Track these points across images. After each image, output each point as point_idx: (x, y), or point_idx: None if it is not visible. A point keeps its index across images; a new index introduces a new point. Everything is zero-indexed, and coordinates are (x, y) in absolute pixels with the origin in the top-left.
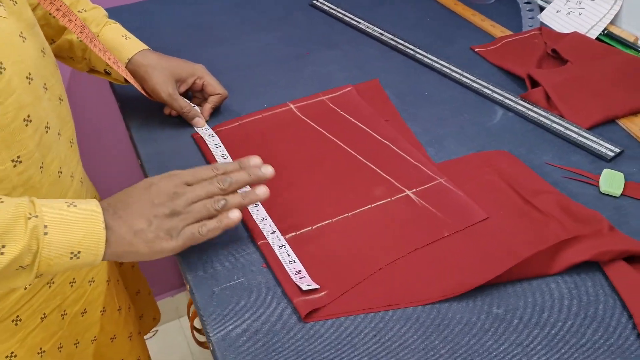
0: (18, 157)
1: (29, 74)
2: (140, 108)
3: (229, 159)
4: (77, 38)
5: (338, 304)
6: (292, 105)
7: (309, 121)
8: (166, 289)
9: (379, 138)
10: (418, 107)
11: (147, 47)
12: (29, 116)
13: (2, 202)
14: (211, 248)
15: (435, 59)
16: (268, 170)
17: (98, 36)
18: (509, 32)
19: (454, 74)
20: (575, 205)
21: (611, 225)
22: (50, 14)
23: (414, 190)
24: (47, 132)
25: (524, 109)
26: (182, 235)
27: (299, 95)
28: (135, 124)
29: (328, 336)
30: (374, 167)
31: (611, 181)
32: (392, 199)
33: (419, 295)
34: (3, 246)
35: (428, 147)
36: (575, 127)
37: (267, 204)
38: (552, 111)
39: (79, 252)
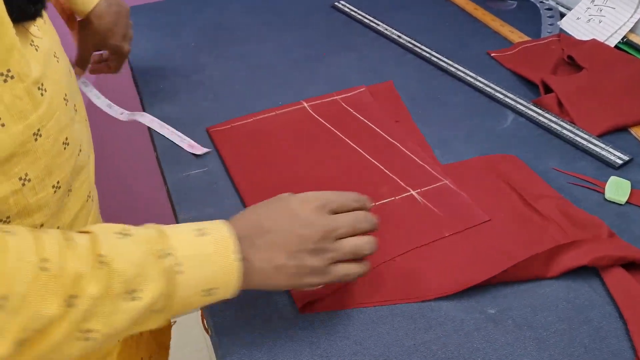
0: (58, 182)
1: (65, 95)
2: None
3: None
4: None
5: (334, 297)
6: (305, 104)
7: (321, 119)
8: None
9: (388, 138)
10: (429, 109)
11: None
12: (67, 139)
13: (130, 235)
14: None
15: (450, 62)
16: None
17: None
18: (527, 38)
19: (467, 77)
20: (576, 210)
21: (611, 231)
22: None
23: (418, 190)
24: (79, 154)
25: (534, 114)
26: (333, 274)
27: (314, 94)
28: (155, 112)
29: (322, 327)
30: (381, 166)
31: (617, 188)
32: (396, 198)
33: (415, 293)
34: (134, 290)
35: (436, 148)
36: (585, 133)
37: None
38: (564, 117)
39: (212, 289)
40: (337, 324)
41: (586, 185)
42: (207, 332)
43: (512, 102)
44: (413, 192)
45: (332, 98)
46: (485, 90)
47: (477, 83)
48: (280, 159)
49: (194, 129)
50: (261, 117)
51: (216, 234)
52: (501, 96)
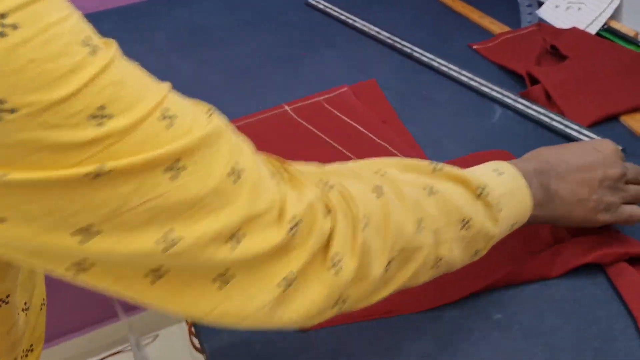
0: None
1: None
2: None
3: None
4: None
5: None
6: (287, 107)
7: (304, 123)
8: None
9: (376, 139)
10: (416, 107)
11: None
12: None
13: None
14: None
15: (433, 57)
16: None
17: None
18: (507, 29)
19: (452, 72)
20: None
21: (615, 229)
22: None
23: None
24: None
25: (523, 107)
26: (619, 213)
27: (295, 96)
28: None
29: (323, 345)
30: None
31: None
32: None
33: (417, 302)
34: (465, 220)
35: (426, 148)
36: (575, 124)
37: None
38: (552, 109)
39: (515, 223)
40: (338, 340)
41: None
42: (195, 349)
43: (499, 96)
44: None
45: (314, 100)
46: (471, 84)
47: (462, 78)
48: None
49: None
50: (241, 123)
51: (510, 172)
52: (487, 90)
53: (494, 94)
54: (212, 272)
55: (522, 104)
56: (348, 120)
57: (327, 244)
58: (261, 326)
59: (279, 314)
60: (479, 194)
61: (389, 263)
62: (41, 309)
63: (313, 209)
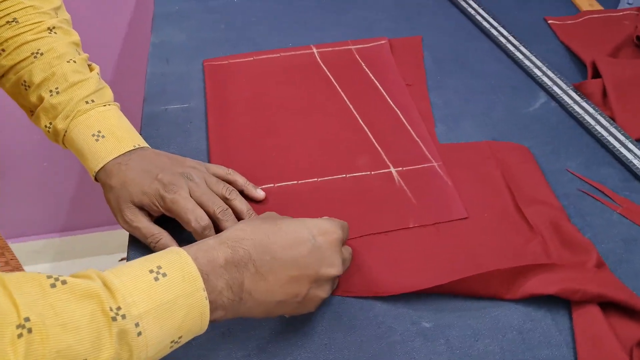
0: None
1: None
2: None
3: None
4: (45, 127)
5: None
6: (315, 50)
7: (325, 69)
8: None
9: (390, 102)
10: (452, 75)
11: (118, 153)
12: None
13: (65, 286)
14: None
15: (495, 24)
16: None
17: (66, 133)
18: (599, 7)
19: (508, 45)
20: (568, 226)
21: (601, 261)
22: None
23: (400, 168)
24: None
25: (570, 101)
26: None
27: (331, 39)
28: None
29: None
30: (369, 134)
31: None
32: (372, 173)
33: (350, 286)
34: None
35: (441, 123)
36: (621, 134)
37: (241, 152)
38: (604, 110)
39: (180, 337)
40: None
41: (600, 199)
42: None
43: (549, 82)
44: (393, 170)
45: (346, 47)
46: (524, 63)
47: (517, 53)
48: (264, 105)
49: (192, 59)
50: (263, 57)
51: (178, 273)
52: (539, 73)
53: (544, 79)
54: None
55: (570, 97)
56: (371, 76)
57: None
58: None
59: None
60: (112, 316)
61: None
62: None
63: None
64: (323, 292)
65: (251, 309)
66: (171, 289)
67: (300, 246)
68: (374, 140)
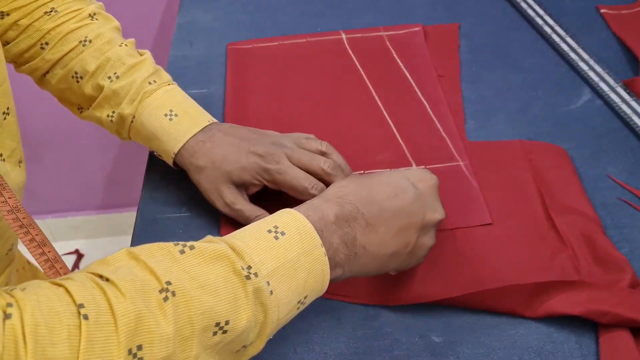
0: None
1: None
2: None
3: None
4: (107, 117)
5: None
6: (343, 35)
7: (353, 56)
8: None
9: (419, 95)
10: (489, 67)
11: (197, 129)
12: None
13: (194, 252)
14: None
15: (540, 12)
16: None
17: (134, 118)
18: None
19: (553, 35)
20: (602, 240)
21: (636, 280)
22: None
23: (423, 167)
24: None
25: (617, 99)
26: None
27: (363, 24)
28: None
29: None
30: (393, 128)
31: None
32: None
33: (356, 292)
34: (221, 324)
35: (472, 119)
36: None
37: None
38: None
39: (305, 297)
40: None
41: None
42: None
43: (595, 78)
44: (414, 167)
45: (377, 33)
46: (569, 56)
47: (563, 45)
48: (285, 94)
49: (216, 43)
50: (288, 42)
51: (296, 231)
52: (585, 67)
53: (591, 73)
54: None
55: (618, 95)
56: (401, 65)
57: None
58: None
59: None
60: (245, 275)
61: None
62: None
63: None
64: (430, 239)
65: (366, 265)
66: (292, 247)
67: (404, 195)
68: (397, 135)
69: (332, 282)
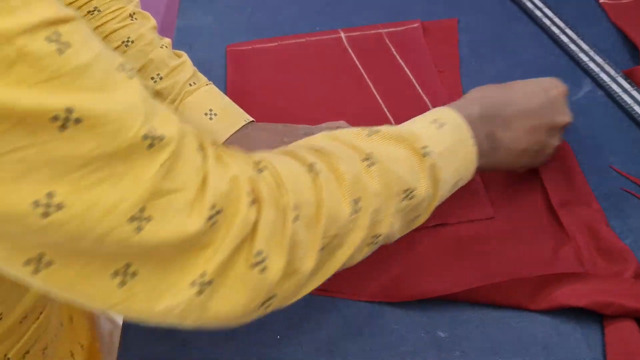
0: None
1: None
2: None
3: None
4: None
5: None
6: (342, 34)
7: (352, 55)
8: None
9: (419, 92)
10: (488, 61)
11: (236, 128)
12: None
13: (379, 133)
14: None
15: (539, 4)
16: None
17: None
18: None
19: (553, 27)
20: (606, 232)
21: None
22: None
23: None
24: None
25: (618, 90)
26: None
27: (361, 21)
28: None
29: None
30: (395, 125)
31: None
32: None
33: (360, 290)
34: (409, 190)
35: None
36: None
37: None
38: None
39: (458, 181)
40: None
41: None
42: None
43: (596, 69)
44: None
45: (375, 31)
46: (569, 47)
47: (562, 37)
48: (285, 95)
49: (215, 45)
50: (288, 42)
51: (452, 122)
52: (585, 58)
53: (591, 64)
54: (111, 265)
55: (619, 85)
56: (400, 61)
57: (251, 238)
58: (176, 325)
59: (195, 316)
60: (423, 153)
61: (320, 251)
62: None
63: (237, 192)
64: (556, 140)
65: (501, 159)
66: (452, 136)
67: (536, 98)
68: None
69: (478, 170)
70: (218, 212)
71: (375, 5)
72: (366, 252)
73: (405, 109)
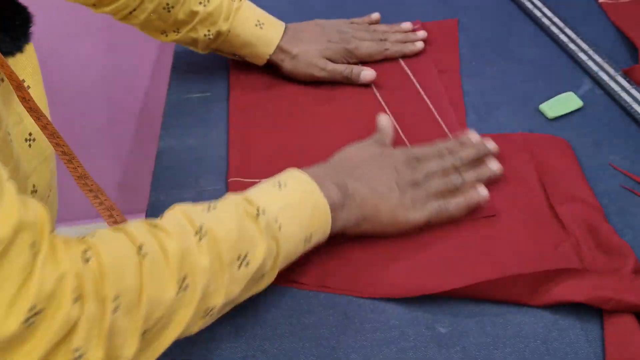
0: None
1: (29, 134)
2: None
3: None
4: (205, 35)
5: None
6: None
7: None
8: None
9: (420, 91)
10: (488, 61)
11: (282, 32)
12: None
13: (215, 207)
14: None
15: (538, 4)
16: (492, 145)
17: (229, 32)
18: None
19: (552, 27)
20: (605, 228)
21: (639, 266)
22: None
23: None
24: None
25: (618, 88)
26: (428, 209)
27: None
28: None
29: None
30: (396, 124)
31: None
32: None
33: (362, 287)
34: (242, 256)
35: (473, 113)
36: None
37: (261, 143)
38: None
39: (311, 235)
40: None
41: None
42: None
43: (595, 68)
44: None
45: None
46: (569, 47)
47: (562, 36)
48: (287, 91)
49: None
50: None
51: (295, 180)
52: (584, 57)
53: (590, 63)
54: None
55: (618, 84)
56: (401, 62)
57: (70, 335)
58: None
59: None
60: (256, 214)
61: (143, 334)
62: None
63: (62, 291)
64: (414, 190)
65: (361, 207)
66: (294, 193)
67: (370, 146)
68: (400, 131)
69: (338, 229)
70: (37, 313)
71: (375, 7)
72: (202, 324)
73: (407, 108)
